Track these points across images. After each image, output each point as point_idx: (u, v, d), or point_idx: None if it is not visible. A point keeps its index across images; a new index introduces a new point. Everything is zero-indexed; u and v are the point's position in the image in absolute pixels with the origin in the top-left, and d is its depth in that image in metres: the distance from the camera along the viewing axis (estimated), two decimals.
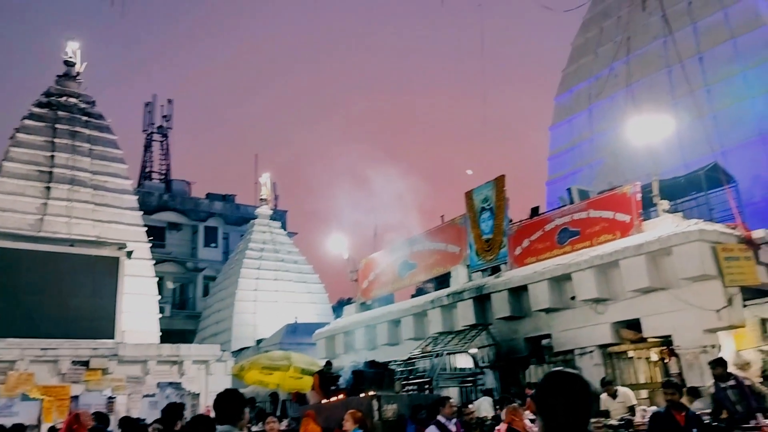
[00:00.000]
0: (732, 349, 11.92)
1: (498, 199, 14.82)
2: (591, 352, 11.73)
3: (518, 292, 13.22)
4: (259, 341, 24.05)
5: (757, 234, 10.57)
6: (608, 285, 11.61)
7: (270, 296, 27.01)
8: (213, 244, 35.56)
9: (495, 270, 14.51)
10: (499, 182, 14.89)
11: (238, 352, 23.42)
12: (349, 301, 22.57)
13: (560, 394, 2.02)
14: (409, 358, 12.89)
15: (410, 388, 11.39)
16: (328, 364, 13.28)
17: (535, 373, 12.45)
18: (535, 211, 15.40)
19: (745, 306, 10.37)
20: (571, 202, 14.94)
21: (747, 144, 17.30)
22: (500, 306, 13.37)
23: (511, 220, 14.60)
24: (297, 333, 21.77)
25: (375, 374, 9.62)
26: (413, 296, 18.40)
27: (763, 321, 12.17)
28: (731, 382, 7.84)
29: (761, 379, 11.35)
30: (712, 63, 18.66)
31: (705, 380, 9.16)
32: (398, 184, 16.37)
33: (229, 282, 27.93)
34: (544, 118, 24.68)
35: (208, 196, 37.33)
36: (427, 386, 11.30)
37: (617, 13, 21.97)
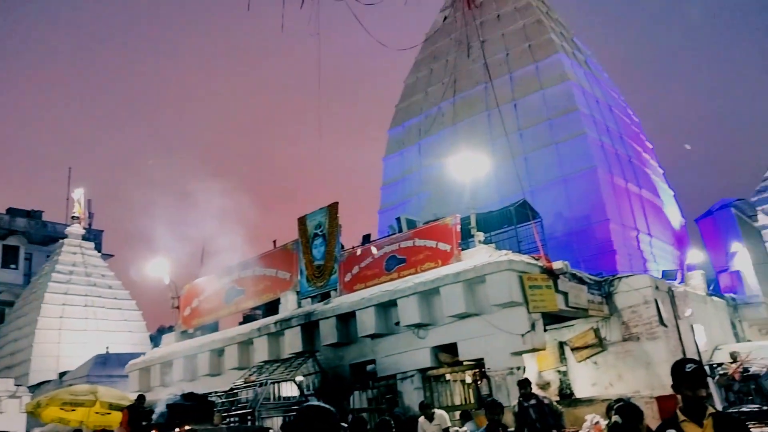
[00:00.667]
0: (534, 370, 13.04)
1: (331, 226, 14.93)
2: (412, 376, 12.12)
3: (346, 319, 13.33)
4: (62, 374, 21.62)
5: (557, 265, 11.73)
6: (429, 311, 12.14)
7: (78, 324, 24.52)
8: (13, 266, 31.58)
9: (325, 296, 14.53)
10: (332, 209, 15.03)
11: (36, 387, 20.84)
12: (170, 329, 21.18)
13: (308, 426, 2.26)
14: (232, 389, 12.35)
15: (232, 420, 10.89)
16: (141, 398, 12.28)
17: (359, 400, 12.56)
18: (366, 239, 15.75)
19: (545, 330, 11.42)
20: (400, 231, 15.54)
21: (551, 184, 19.32)
22: (328, 332, 13.37)
23: (343, 247, 14.77)
24: (108, 364, 19.92)
25: (192, 407, 9.05)
26: (241, 324, 17.77)
27: (561, 344, 13.54)
28: (533, 401, 8.52)
29: (558, 398, 12.54)
30: (525, 110, 20.70)
31: (512, 400, 9.86)
32: (229, 207, 15.86)
33: (29, 308, 24.91)
34: (379, 149, 25.53)
35: (9, 211, 33.19)
36: (249, 417, 10.88)
37: (446, 56, 23.59)
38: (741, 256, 18.51)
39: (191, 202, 15.99)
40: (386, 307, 12.70)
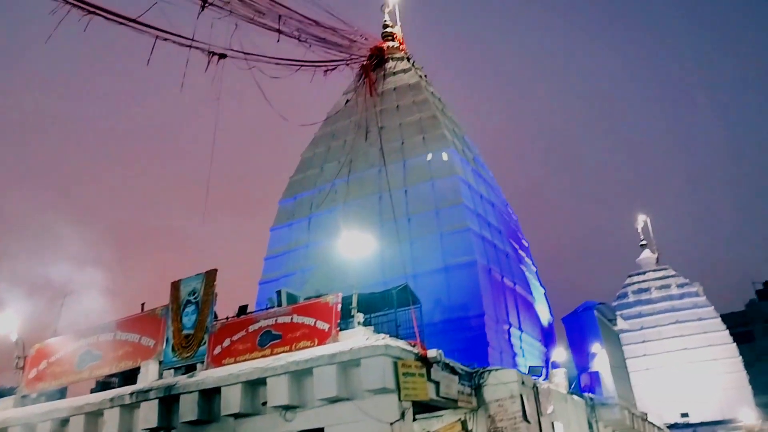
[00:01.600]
0: None
1: (206, 293, 14.25)
2: None
3: (210, 395, 12.53)
4: None
5: (432, 353, 11.83)
6: (300, 392, 11.71)
7: None
8: None
9: (190, 369, 13.64)
10: (209, 276, 14.41)
11: None
12: (10, 392, 18.89)
13: None
14: None
15: None
16: None
17: None
18: (242, 310, 15.13)
19: (415, 420, 11.33)
20: (279, 305, 15.12)
21: (434, 272, 19.86)
22: (188, 408, 12.46)
23: (216, 317, 14.09)
24: None
25: None
26: (92, 391, 16.19)
27: None
28: None
29: None
30: (415, 197, 21.45)
31: None
32: (100, 264, 14.81)
33: None
34: (267, 219, 25.22)
35: None
36: None
37: (344, 137, 24.19)
38: (600, 358, 19.69)
39: (55, 250, 14.78)
40: (255, 385, 12.11)
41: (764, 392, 34.41)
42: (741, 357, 31.34)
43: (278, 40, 17.95)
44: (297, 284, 20.80)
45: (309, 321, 12.79)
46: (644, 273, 34.88)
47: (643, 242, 36.37)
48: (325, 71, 22.32)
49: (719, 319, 32.15)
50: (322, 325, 12.51)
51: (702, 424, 26.76)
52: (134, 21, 13.91)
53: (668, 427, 24.91)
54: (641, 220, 36.93)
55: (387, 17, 27.47)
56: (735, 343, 31.56)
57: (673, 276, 34.10)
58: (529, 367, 16.60)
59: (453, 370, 12.70)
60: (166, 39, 14.25)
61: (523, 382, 13.29)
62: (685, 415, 29.15)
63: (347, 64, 23.71)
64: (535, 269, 25.61)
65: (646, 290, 33.76)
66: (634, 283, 34.61)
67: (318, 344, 12.16)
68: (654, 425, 21.85)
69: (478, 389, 13.20)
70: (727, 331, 31.82)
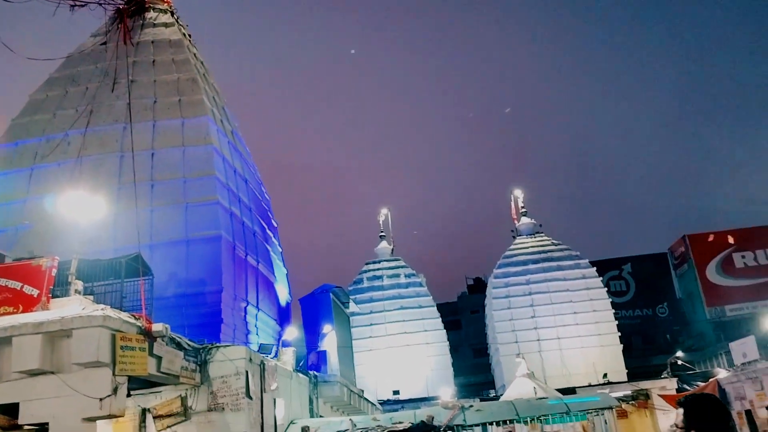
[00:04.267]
0: None
1: None
2: None
3: None
4: None
5: (157, 327, 11.21)
6: None
7: None
8: None
9: None
10: None
11: None
12: None
13: None
14: None
15: None
16: None
17: None
18: None
19: (129, 395, 10.62)
20: None
21: (173, 243, 18.86)
22: None
23: None
24: None
25: None
26: None
27: (144, 411, 12.77)
28: None
29: None
30: (162, 162, 20.08)
31: None
32: None
33: None
34: None
35: None
36: None
37: (86, 83, 21.59)
38: (330, 338, 20.73)
39: None
40: None
41: (462, 374, 39.97)
42: (448, 342, 35.75)
43: None
44: (7, 243, 18.00)
45: (15, 285, 11.21)
46: (379, 262, 37.70)
47: (382, 234, 39.29)
48: (72, 5, 19.65)
49: (435, 307, 36.22)
50: (31, 291, 11.05)
51: (410, 400, 29.86)
52: None
53: (381, 403, 27.28)
54: (383, 213, 39.81)
55: None
56: (445, 330, 35.89)
57: (402, 267, 37.43)
58: (260, 344, 16.76)
59: (179, 346, 12.22)
60: None
61: (251, 359, 13.35)
62: (396, 392, 32.27)
63: (100, 4, 21.17)
64: (281, 250, 25.95)
65: (379, 278, 36.55)
66: (369, 271, 37.20)
67: (23, 311, 10.71)
68: (368, 401, 23.75)
69: (203, 365, 12.91)
70: (440, 319, 36.02)
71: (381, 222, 39.88)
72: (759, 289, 43.56)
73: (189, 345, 12.60)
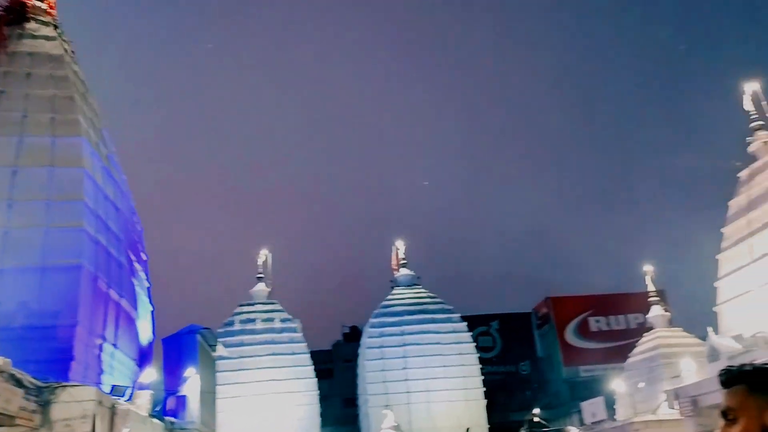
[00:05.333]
0: None
1: None
2: None
3: None
4: None
5: None
6: None
7: None
8: None
9: None
10: None
11: None
12: None
13: None
14: None
15: None
16: None
17: None
18: None
19: None
20: None
21: (26, 270, 17.34)
22: None
23: None
24: None
25: None
26: None
27: None
28: None
29: None
30: (24, 182, 18.57)
31: None
32: None
33: None
34: None
35: None
36: None
37: None
38: (192, 382, 19.72)
39: None
40: None
41: (330, 424, 39.32)
42: (319, 391, 35.11)
43: None
44: None
45: None
46: (254, 305, 36.53)
47: (261, 275, 38.33)
48: None
49: (309, 355, 35.56)
50: None
51: None
52: None
53: None
54: (263, 254, 38.94)
55: None
56: (317, 379, 35.26)
57: (279, 311, 36.52)
58: (113, 386, 15.59)
59: (20, 383, 11.11)
60: None
61: (101, 402, 12.39)
62: None
63: None
64: (148, 285, 24.57)
65: (252, 321, 35.35)
66: (243, 313, 35.91)
67: None
68: None
69: (46, 405, 11.78)
70: (313, 367, 35.39)
71: (260, 263, 39.00)
72: (610, 353, 47.10)
73: (31, 383, 11.48)
